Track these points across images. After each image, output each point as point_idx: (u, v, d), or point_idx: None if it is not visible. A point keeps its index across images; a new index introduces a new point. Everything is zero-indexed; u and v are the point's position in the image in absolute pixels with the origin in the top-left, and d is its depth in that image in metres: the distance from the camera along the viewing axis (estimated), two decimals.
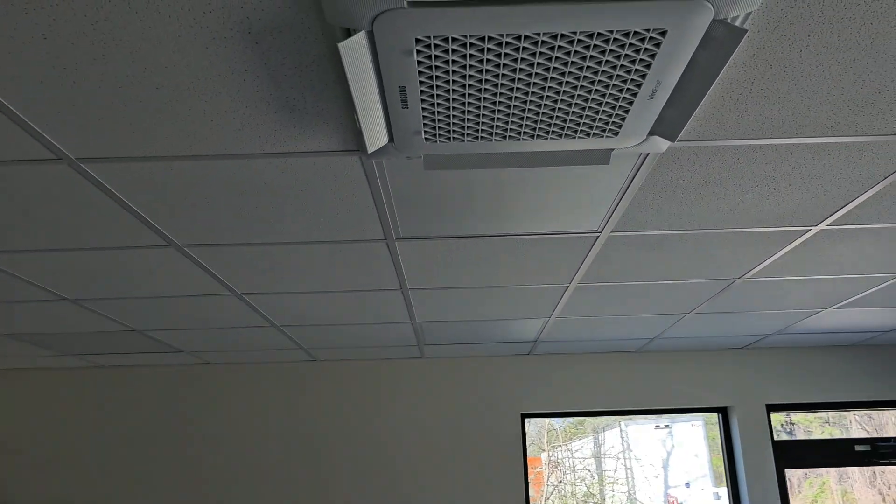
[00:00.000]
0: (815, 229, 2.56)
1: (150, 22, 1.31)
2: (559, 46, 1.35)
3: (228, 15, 1.31)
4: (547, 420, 5.66)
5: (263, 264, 2.80)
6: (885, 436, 5.01)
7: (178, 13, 1.29)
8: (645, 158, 1.99)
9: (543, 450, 5.82)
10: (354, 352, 4.77)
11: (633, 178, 2.10)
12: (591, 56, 1.38)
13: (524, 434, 4.98)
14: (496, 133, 1.68)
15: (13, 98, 1.55)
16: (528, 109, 1.57)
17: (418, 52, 1.35)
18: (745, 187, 2.17)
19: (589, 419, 5.62)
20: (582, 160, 1.85)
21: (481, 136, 1.69)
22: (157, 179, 1.99)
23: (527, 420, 5.06)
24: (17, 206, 2.14)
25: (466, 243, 2.64)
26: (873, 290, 3.47)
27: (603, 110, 1.58)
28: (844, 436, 5.28)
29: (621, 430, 5.64)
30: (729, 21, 1.31)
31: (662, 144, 1.79)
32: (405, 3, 1.22)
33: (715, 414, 5.12)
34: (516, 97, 1.53)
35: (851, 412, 5.26)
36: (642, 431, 5.65)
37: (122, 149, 1.80)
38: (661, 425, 5.54)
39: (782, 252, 2.82)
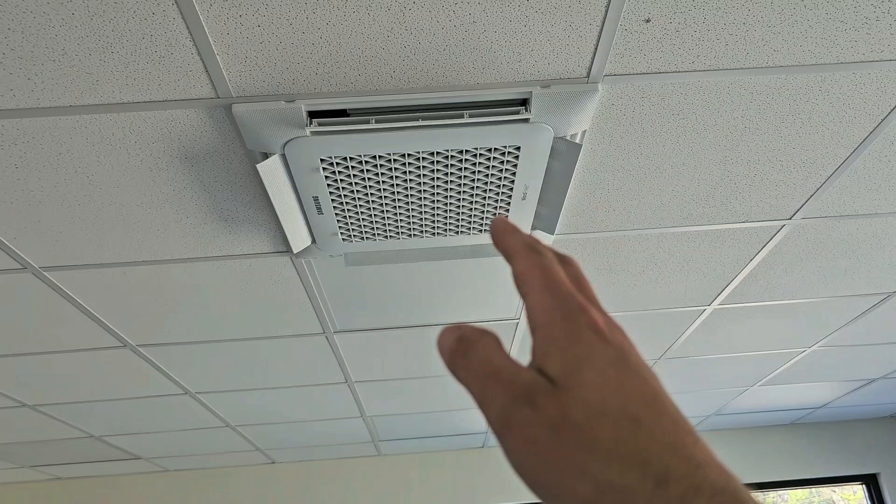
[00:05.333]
0: (709, 309, 2.88)
1: (104, 152, 1.62)
2: (437, 161, 1.68)
3: (168, 144, 1.62)
4: None
5: (213, 362, 3.01)
6: None
7: (126, 145, 1.61)
8: None
9: None
10: (311, 451, 4.87)
11: None
12: (466, 168, 1.72)
13: None
14: (402, 232, 1.99)
15: None
16: (425, 212, 1.89)
17: (324, 168, 1.67)
18: (633, 272, 2.49)
19: None
20: (480, 254, 2.17)
21: (390, 236, 2.00)
22: (108, 283, 2.25)
23: None
24: None
25: (400, 334, 2.90)
26: (789, 363, 3.76)
27: (487, 211, 1.91)
28: None
29: None
30: (568, 138, 1.66)
31: (547, 238, 2.12)
32: (308, 132, 1.55)
33: None
34: (413, 202, 1.85)
35: (827, 487, 5.42)
36: None
37: (80, 257, 2.07)
38: None
39: (689, 331, 3.12)
